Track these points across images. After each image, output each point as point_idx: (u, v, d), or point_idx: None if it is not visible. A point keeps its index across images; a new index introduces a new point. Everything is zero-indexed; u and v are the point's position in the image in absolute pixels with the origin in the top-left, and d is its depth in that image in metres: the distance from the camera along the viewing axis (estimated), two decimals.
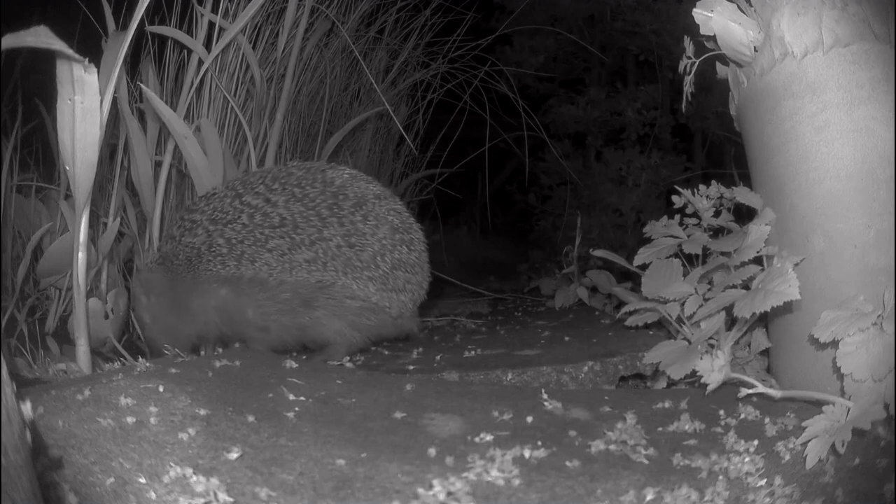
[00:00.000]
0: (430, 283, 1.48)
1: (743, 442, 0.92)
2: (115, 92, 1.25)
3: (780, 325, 1.17)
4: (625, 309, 1.31)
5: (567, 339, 1.59)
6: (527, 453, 0.87)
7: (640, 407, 1.05)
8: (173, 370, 1.09)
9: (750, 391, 1.00)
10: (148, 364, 1.15)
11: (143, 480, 0.78)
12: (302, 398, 1.05)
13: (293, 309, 1.32)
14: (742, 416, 1.01)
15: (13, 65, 1.93)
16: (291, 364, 1.23)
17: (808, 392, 1.01)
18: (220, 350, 1.37)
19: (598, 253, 1.58)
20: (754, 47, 1.16)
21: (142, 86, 1.55)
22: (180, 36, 1.69)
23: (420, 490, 0.79)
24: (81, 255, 1.25)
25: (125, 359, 1.37)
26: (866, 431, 0.87)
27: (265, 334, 1.38)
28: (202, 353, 1.40)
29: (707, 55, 1.24)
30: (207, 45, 1.71)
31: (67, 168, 1.20)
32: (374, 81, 2.54)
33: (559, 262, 2.45)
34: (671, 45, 2.77)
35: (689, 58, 1.26)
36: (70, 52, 1.03)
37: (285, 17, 1.92)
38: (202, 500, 0.76)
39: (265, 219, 1.29)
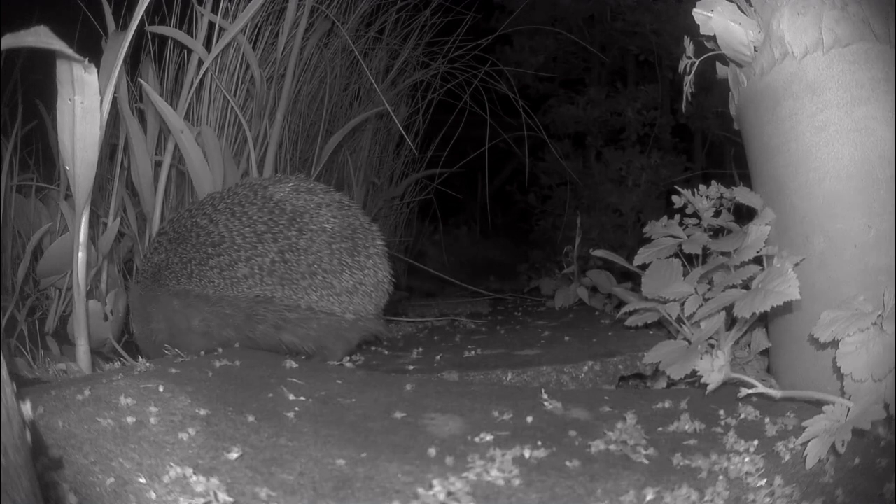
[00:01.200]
0: (393, 286, 1.45)
1: (743, 442, 0.92)
2: (115, 92, 1.25)
3: (780, 325, 1.17)
4: (625, 309, 1.31)
5: (567, 339, 1.59)
6: (527, 453, 0.87)
7: (640, 407, 1.05)
8: (173, 370, 1.09)
9: (750, 391, 1.00)
10: (148, 364, 1.15)
11: (143, 480, 0.78)
12: (302, 398, 1.05)
13: (237, 323, 1.37)
14: (742, 416, 1.01)
15: (13, 65, 1.93)
16: (291, 364, 1.23)
17: (808, 392, 1.01)
18: (220, 350, 1.37)
19: (598, 253, 1.58)
20: (754, 47, 1.16)
21: (140, 80, 1.55)
22: (180, 36, 1.69)
23: (420, 490, 0.79)
24: (81, 255, 1.25)
25: (125, 359, 1.38)
26: (866, 431, 0.87)
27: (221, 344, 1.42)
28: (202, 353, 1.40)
29: (707, 55, 1.24)
30: (207, 45, 1.71)
31: (67, 168, 1.20)
32: (374, 81, 2.53)
33: (559, 262, 2.45)
34: (671, 45, 2.77)
35: (689, 58, 1.26)
36: (70, 52, 1.03)
37: (285, 17, 1.92)
38: (202, 500, 0.76)
39: (208, 237, 1.37)
